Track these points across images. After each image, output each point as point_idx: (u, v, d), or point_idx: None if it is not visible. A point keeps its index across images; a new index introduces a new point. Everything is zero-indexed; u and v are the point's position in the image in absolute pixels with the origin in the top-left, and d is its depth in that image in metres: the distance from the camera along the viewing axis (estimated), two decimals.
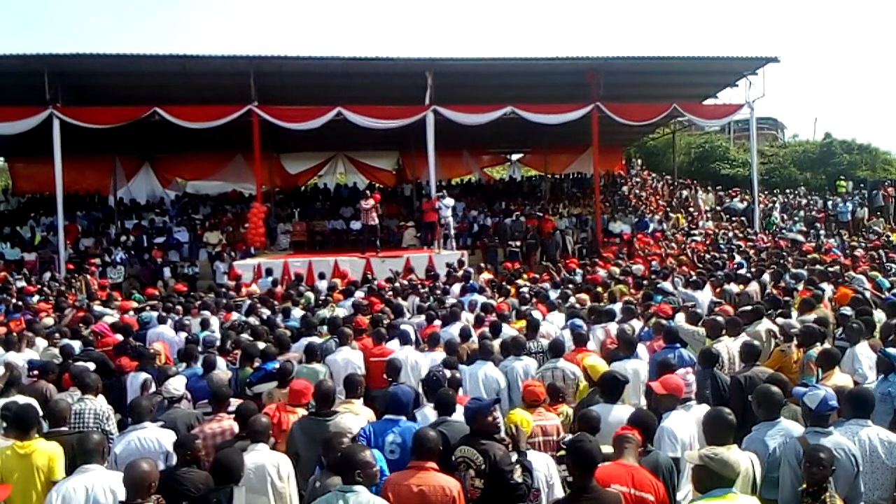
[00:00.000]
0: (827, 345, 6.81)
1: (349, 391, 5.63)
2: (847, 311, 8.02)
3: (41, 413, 5.20)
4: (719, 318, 7.49)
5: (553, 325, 8.68)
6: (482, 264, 18.07)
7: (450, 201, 17.78)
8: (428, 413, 5.29)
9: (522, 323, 8.37)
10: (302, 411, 5.42)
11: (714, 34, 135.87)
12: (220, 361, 7.15)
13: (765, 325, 7.87)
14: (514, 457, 4.25)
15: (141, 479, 3.78)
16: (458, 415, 4.95)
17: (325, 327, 8.64)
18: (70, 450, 4.72)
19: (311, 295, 11.48)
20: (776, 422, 4.57)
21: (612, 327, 8.11)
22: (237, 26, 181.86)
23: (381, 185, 27.28)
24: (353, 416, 5.15)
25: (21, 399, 5.66)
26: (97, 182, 24.71)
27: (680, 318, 8.00)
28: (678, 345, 6.99)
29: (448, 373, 6.00)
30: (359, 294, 11.28)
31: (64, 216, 18.70)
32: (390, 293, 11.65)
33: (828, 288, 10.21)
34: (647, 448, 4.30)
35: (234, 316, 10.19)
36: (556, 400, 5.65)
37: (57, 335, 8.78)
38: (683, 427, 4.82)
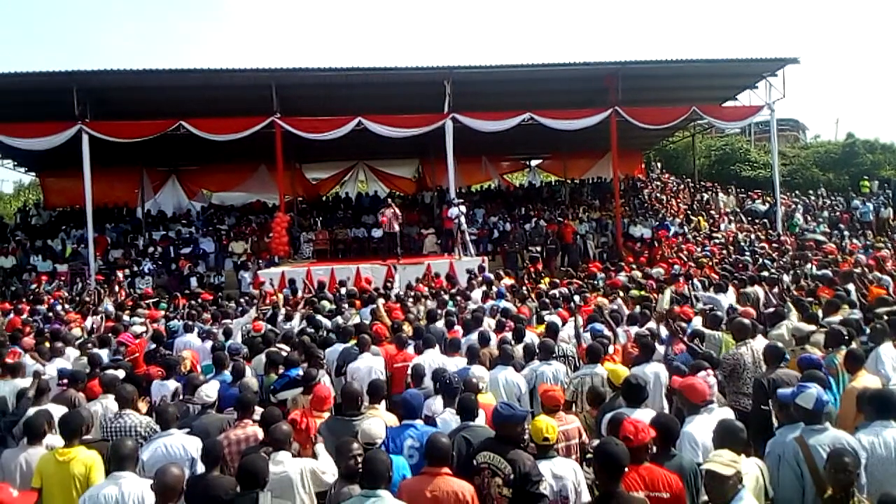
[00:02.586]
0: (853, 345, 6.75)
1: (372, 397, 5.72)
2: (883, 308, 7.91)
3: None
4: (745, 321, 7.43)
5: (572, 329, 8.66)
6: (501, 270, 18.10)
7: (454, 210, 17.76)
8: (448, 418, 5.36)
9: (542, 328, 8.41)
10: (326, 416, 5.53)
11: (733, 35, 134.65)
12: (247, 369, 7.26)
13: (786, 326, 7.84)
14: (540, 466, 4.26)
15: (173, 484, 3.90)
16: (481, 419, 5.01)
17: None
18: (105, 458, 4.86)
19: (326, 304, 11.59)
20: (799, 424, 4.53)
21: (634, 331, 8.12)
22: (253, 38, 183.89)
23: (401, 193, 27.45)
24: (381, 422, 5.11)
25: (53, 407, 5.78)
26: (125, 195, 25.23)
27: (697, 322, 8.00)
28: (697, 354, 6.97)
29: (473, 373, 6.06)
30: (380, 301, 11.37)
31: (94, 228, 19.13)
32: (411, 300, 11.73)
33: (852, 289, 10.11)
34: (670, 452, 4.30)
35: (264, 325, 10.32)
36: (595, 405, 5.68)
37: (88, 345, 8.97)
38: (705, 431, 4.78)
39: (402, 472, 4.46)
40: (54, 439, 5.20)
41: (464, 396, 5.20)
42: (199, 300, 14.22)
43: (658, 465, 4.04)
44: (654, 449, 4.20)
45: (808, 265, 13.07)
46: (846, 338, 6.70)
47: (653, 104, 21.55)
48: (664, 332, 7.55)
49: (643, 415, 4.96)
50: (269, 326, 9.88)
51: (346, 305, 11.16)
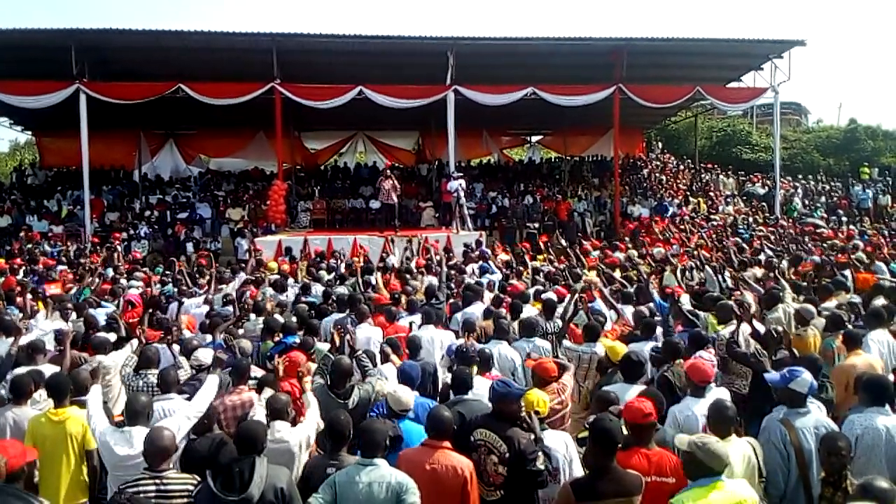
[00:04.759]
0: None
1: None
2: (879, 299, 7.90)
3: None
4: (729, 303, 7.44)
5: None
6: (495, 244, 18.06)
7: (454, 183, 17.70)
8: None
9: (539, 304, 8.41)
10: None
11: (738, 16, 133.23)
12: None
13: (782, 309, 7.85)
14: (534, 439, 4.28)
15: (164, 446, 3.91)
16: (474, 393, 5.01)
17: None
18: None
19: (323, 273, 11.58)
20: (782, 406, 4.55)
21: (627, 309, 8.15)
22: (257, 3, 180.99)
23: (400, 165, 27.36)
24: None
25: (47, 368, 5.77)
26: (122, 157, 25.09)
27: (685, 300, 8.06)
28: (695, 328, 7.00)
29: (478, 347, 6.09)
30: (377, 274, 11.35)
31: (90, 190, 19.05)
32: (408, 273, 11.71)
33: (848, 274, 10.13)
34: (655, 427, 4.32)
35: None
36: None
37: (86, 306, 8.94)
38: (694, 411, 4.80)
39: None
40: (42, 399, 5.23)
41: (458, 370, 5.22)
42: (197, 266, 14.16)
43: (666, 449, 4.05)
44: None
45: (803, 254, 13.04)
46: (846, 323, 6.72)
47: (657, 82, 21.37)
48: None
49: (638, 392, 4.98)
50: (273, 293, 9.88)
51: (348, 274, 11.17)
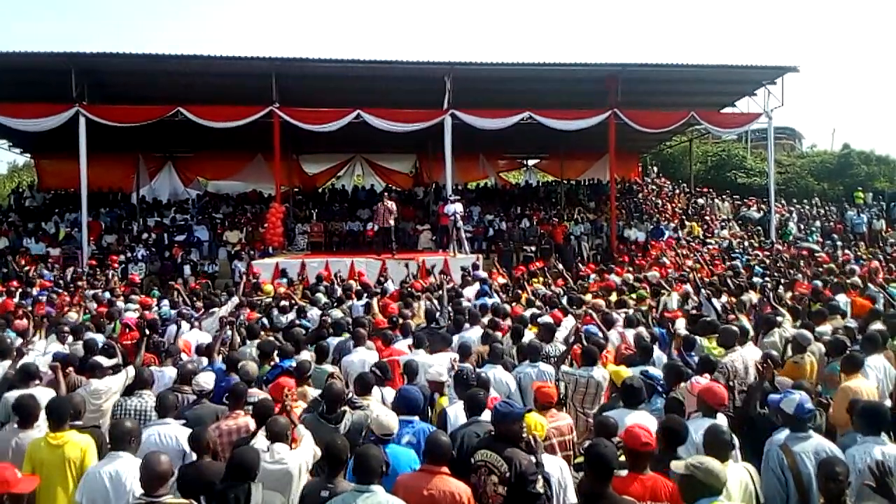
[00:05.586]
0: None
1: (362, 389, 5.69)
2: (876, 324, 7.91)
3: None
4: (733, 328, 7.46)
5: (567, 330, 8.67)
6: (493, 268, 18.08)
7: (451, 207, 17.79)
8: (457, 411, 5.30)
9: (535, 329, 8.41)
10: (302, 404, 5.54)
11: (733, 42, 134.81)
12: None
13: (779, 334, 7.86)
14: (535, 462, 4.25)
15: (160, 472, 3.86)
16: (488, 415, 4.96)
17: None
18: (98, 442, 4.86)
19: (320, 296, 11.58)
20: (784, 430, 4.53)
21: (628, 333, 8.15)
22: (255, 28, 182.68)
23: (397, 188, 27.46)
24: (393, 413, 4.95)
25: (42, 392, 5.71)
26: (121, 180, 25.20)
27: (680, 324, 8.07)
28: (693, 353, 7.02)
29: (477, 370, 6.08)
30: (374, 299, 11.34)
31: (88, 213, 19.06)
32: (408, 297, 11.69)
33: (843, 299, 10.15)
34: (676, 455, 4.25)
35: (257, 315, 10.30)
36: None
37: (83, 329, 8.92)
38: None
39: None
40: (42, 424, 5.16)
41: (472, 392, 5.14)
42: (191, 291, 14.13)
43: (660, 474, 4.02)
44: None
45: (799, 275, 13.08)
46: (847, 347, 6.72)
47: (652, 108, 21.60)
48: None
49: (639, 417, 4.98)
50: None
51: (347, 298, 11.15)
